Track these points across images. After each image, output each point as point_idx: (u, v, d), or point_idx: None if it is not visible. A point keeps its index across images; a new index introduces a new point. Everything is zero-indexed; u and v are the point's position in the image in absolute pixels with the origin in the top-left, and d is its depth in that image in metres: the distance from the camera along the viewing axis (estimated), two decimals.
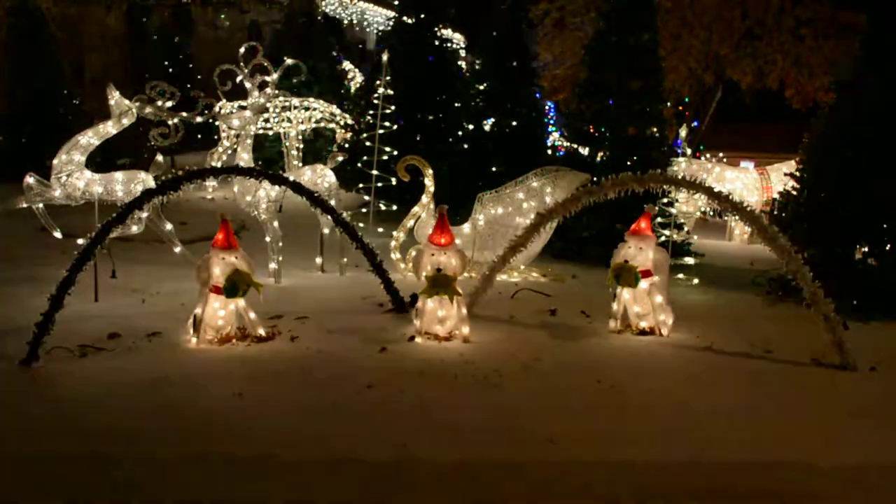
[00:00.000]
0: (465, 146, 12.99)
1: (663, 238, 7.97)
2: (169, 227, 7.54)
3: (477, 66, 14.99)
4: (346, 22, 23.95)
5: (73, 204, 7.19)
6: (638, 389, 4.86)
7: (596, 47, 10.19)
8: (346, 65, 18.69)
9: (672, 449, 3.98)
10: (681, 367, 5.40)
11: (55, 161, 7.10)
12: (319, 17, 18.00)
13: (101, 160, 9.61)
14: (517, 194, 8.47)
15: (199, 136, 15.37)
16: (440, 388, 4.73)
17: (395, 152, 10.07)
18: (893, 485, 3.76)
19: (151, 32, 18.28)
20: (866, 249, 7.55)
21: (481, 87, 13.20)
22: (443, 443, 3.94)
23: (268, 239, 7.70)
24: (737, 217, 6.03)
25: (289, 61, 8.25)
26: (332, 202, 6.97)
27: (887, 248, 7.36)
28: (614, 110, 9.91)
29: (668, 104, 11.76)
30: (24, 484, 3.41)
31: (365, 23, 25.09)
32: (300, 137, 13.21)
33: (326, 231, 8.16)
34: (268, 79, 7.76)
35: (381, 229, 9.58)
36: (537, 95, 13.94)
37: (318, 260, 8.38)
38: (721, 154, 13.58)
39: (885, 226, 7.36)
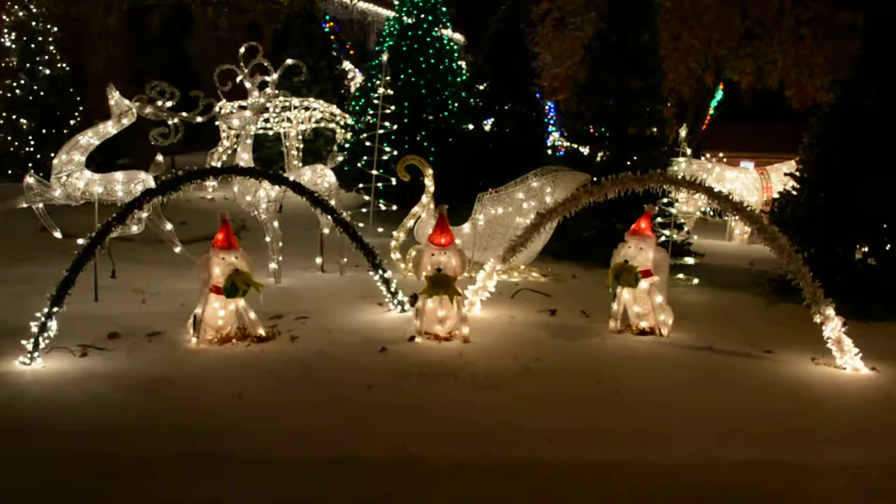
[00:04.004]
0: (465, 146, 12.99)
1: (663, 238, 7.96)
2: (169, 227, 7.54)
3: (476, 66, 14.97)
4: (345, 22, 23.95)
5: (73, 204, 7.19)
6: (638, 389, 4.86)
7: (596, 47, 10.19)
8: (346, 65, 18.69)
9: (672, 449, 3.98)
10: (681, 367, 5.40)
11: (55, 161, 7.10)
12: (326, 24, 17.98)
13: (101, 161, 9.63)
14: (517, 194, 8.47)
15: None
16: (440, 388, 4.73)
17: (396, 152, 10.07)
18: (893, 485, 3.76)
19: (151, 32, 18.27)
20: (866, 249, 7.55)
21: (481, 87, 13.19)
22: (443, 443, 3.94)
23: (268, 239, 7.70)
24: (737, 217, 6.03)
25: (289, 61, 8.25)
26: (332, 202, 6.97)
27: (887, 248, 7.36)
28: (614, 110, 9.91)
29: (669, 104, 11.75)
30: (25, 484, 3.41)
31: (365, 23, 25.09)
32: (300, 137, 13.22)
33: (326, 231, 8.16)
34: (268, 79, 7.76)
35: (381, 229, 9.57)
36: (537, 95, 13.92)
37: (318, 260, 8.38)
38: (721, 154, 13.57)
39: (885, 226, 7.36)
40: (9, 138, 12.84)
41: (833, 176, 7.70)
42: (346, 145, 13.58)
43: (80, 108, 13.52)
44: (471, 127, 12.71)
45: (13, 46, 13.06)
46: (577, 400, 4.64)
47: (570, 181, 8.36)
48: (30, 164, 12.04)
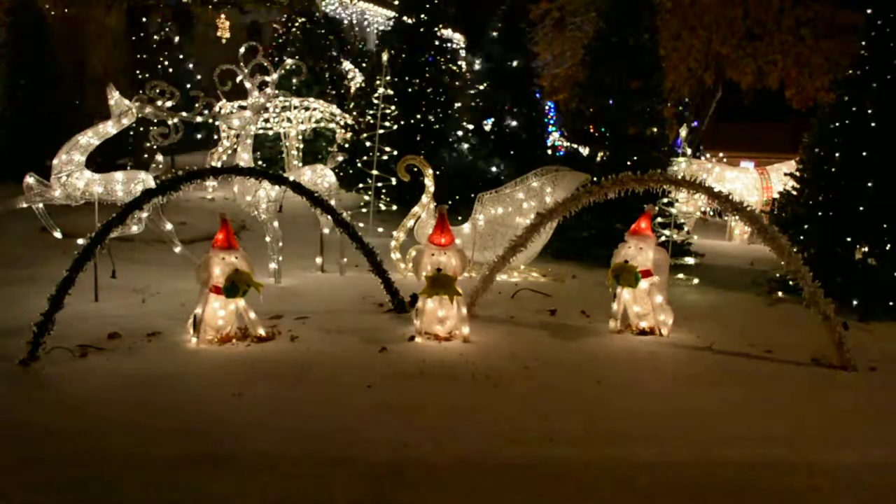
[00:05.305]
0: (466, 146, 13.01)
1: (663, 238, 7.97)
2: (169, 227, 7.54)
3: (477, 66, 14.99)
4: (346, 22, 23.93)
5: (73, 204, 7.19)
6: (638, 389, 4.86)
7: (596, 47, 10.19)
8: (346, 65, 18.69)
9: (672, 449, 3.98)
10: (681, 367, 5.40)
11: (55, 161, 7.10)
12: (319, 17, 17.98)
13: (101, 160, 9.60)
14: (517, 194, 8.47)
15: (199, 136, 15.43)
16: (440, 388, 4.73)
17: (396, 152, 10.07)
18: (893, 485, 3.76)
19: (151, 32, 18.27)
20: (866, 249, 7.55)
21: (481, 87, 13.21)
22: (443, 443, 3.93)
23: (268, 239, 7.70)
24: (737, 217, 6.04)
25: (289, 61, 8.25)
26: (332, 202, 6.97)
27: (887, 248, 7.36)
28: (614, 110, 9.92)
29: (669, 104, 11.75)
30: (25, 484, 3.41)
31: (365, 23, 25.09)
32: (300, 137, 13.22)
33: (326, 231, 8.16)
34: (268, 79, 7.76)
35: (381, 229, 9.57)
36: (537, 95, 13.94)
37: (318, 260, 8.38)
38: (721, 154, 13.58)
39: (885, 226, 7.36)
40: (9, 138, 12.82)
41: (833, 176, 7.70)
42: (346, 145, 13.59)
43: (80, 108, 13.50)
44: (471, 127, 12.73)
45: (13, 46, 13.03)
46: (577, 400, 4.64)
47: (570, 181, 8.37)
48: (30, 165, 12.03)
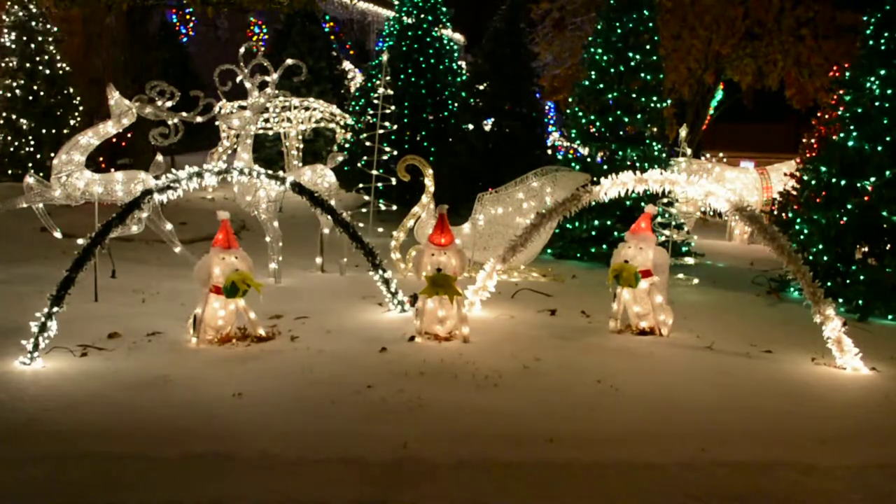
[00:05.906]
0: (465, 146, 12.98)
1: (663, 238, 7.97)
2: (169, 227, 7.54)
3: (477, 66, 14.98)
4: (345, 22, 23.93)
5: (73, 204, 7.19)
6: (638, 389, 4.86)
7: (596, 47, 10.19)
8: (346, 65, 18.70)
9: (672, 449, 3.98)
10: (681, 367, 5.39)
11: (55, 161, 7.10)
12: (326, 24, 17.98)
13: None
14: (517, 194, 8.47)
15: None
16: (440, 388, 4.73)
17: (395, 152, 10.07)
18: (893, 485, 3.76)
19: (151, 32, 18.25)
20: (866, 249, 7.55)
21: (481, 87, 13.19)
22: (443, 443, 3.93)
23: (268, 239, 7.70)
24: (737, 217, 6.03)
25: (289, 61, 8.25)
26: (332, 202, 6.97)
27: (887, 248, 7.36)
28: (614, 110, 9.92)
29: (669, 101, 11.75)
30: (25, 484, 3.41)
31: (365, 23, 25.10)
32: (300, 137, 13.22)
33: (326, 231, 8.16)
34: (268, 79, 7.76)
35: (381, 229, 9.58)
36: (537, 95, 13.92)
37: (318, 260, 8.38)
38: (721, 154, 13.58)
39: (884, 226, 7.36)
40: (9, 138, 12.83)
41: (834, 175, 7.70)
42: (346, 145, 13.58)
43: (80, 108, 13.51)
44: (471, 127, 12.71)
45: (13, 46, 13.05)
46: (577, 400, 4.64)
47: (570, 181, 8.37)
48: (30, 164, 12.05)
